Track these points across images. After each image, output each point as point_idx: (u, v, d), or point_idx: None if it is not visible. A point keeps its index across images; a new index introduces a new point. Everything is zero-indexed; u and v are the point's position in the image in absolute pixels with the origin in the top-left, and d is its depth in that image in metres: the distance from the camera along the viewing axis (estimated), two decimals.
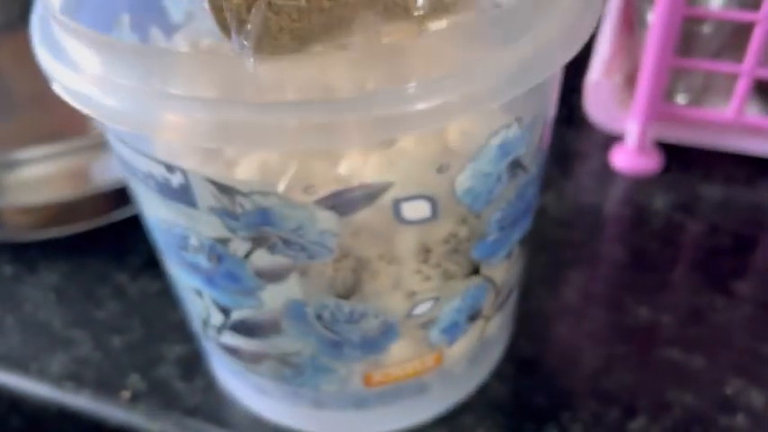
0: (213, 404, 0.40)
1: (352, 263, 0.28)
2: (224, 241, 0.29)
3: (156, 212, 0.31)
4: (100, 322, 0.44)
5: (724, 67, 0.49)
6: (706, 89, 0.55)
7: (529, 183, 0.31)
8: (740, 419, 0.38)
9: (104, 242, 0.50)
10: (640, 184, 0.52)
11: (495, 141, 0.27)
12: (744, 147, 0.52)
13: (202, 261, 0.30)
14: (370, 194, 0.26)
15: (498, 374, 0.40)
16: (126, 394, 0.40)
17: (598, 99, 0.52)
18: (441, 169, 0.27)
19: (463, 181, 0.27)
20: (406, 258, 0.29)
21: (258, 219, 0.27)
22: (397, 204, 0.27)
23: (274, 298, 0.30)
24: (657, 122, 0.51)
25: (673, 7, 0.44)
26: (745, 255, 0.47)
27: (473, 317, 0.34)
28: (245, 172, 0.26)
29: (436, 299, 0.31)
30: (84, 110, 0.26)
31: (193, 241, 0.30)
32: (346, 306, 0.30)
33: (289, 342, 0.32)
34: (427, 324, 0.32)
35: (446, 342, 0.34)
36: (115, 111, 0.24)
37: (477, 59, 0.24)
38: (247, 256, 0.29)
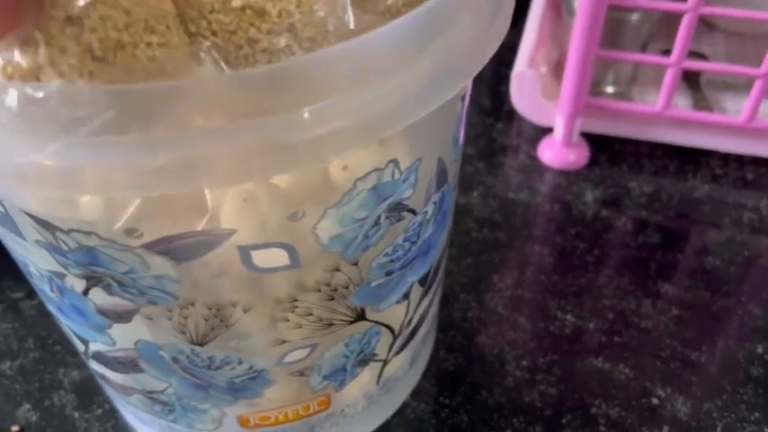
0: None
1: (201, 310, 0.23)
2: (60, 275, 0.24)
3: None
4: None
5: (651, 59, 0.44)
6: (635, 79, 0.50)
7: (423, 223, 0.26)
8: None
9: None
10: (569, 178, 0.47)
11: (365, 186, 0.22)
12: (672, 138, 0.47)
13: (47, 290, 0.26)
14: (208, 242, 0.21)
15: (417, 392, 0.35)
16: (15, 429, 0.37)
17: (524, 91, 0.48)
18: (293, 217, 0.21)
19: (326, 228, 0.22)
20: (266, 307, 0.24)
21: (86, 258, 0.22)
22: (244, 251, 0.22)
23: (124, 337, 0.25)
24: (585, 115, 0.48)
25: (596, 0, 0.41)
26: (673, 252, 0.42)
27: (364, 361, 0.29)
28: (90, 209, 0.20)
29: (312, 346, 0.26)
30: None
31: (33, 269, 0.25)
32: (204, 353, 0.25)
33: (151, 380, 0.27)
34: (305, 370, 0.27)
35: (332, 387, 0.29)
36: None
37: (342, 96, 0.18)
38: (85, 293, 0.24)
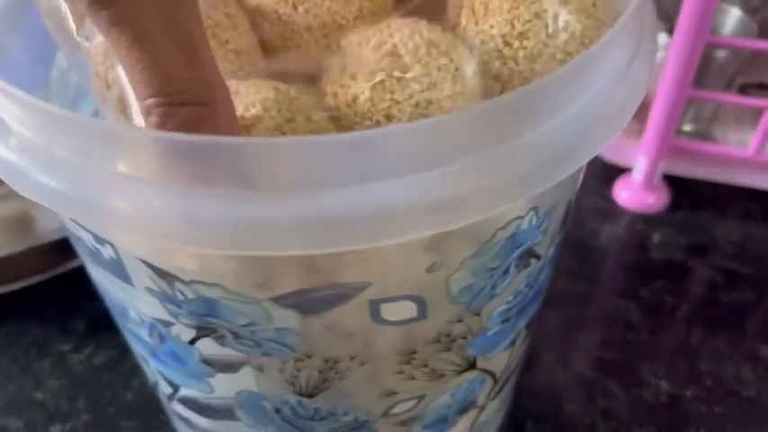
0: None
1: (317, 362, 0.22)
2: (165, 323, 0.23)
3: (95, 276, 0.25)
4: (38, 406, 0.36)
5: (749, 101, 0.42)
6: (716, 117, 0.48)
7: (542, 268, 0.25)
8: None
9: (43, 303, 0.40)
10: (649, 223, 0.45)
11: (504, 235, 0.21)
12: (761, 183, 0.45)
13: (144, 335, 0.25)
14: (342, 295, 0.20)
15: None
16: None
17: None
18: (431, 269, 0.20)
19: (459, 279, 0.21)
20: (384, 359, 0.23)
21: (202, 309, 0.21)
22: (374, 305, 0.21)
23: (226, 387, 0.24)
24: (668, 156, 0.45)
25: (695, 36, 0.38)
26: None
27: (464, 409, 0.28)
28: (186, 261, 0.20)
29: (420, 397, 0.25)
30: (16, 188, 0.18)
31: (133, 315, 0.24)
32: (310, 404, 0.24)
33: (244, 429, 0.26)
34: (409, 421, 0.26)
35: None
36: (57, 193, 0.18)
37: (497, 153, 0.18)
38: (192, 342, 0.23)
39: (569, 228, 0.44)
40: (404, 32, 0.20)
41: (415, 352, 0.23)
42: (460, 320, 0.23)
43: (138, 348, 0.27)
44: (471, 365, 0.25)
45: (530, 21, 0.21)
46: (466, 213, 0.17)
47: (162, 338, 0.24)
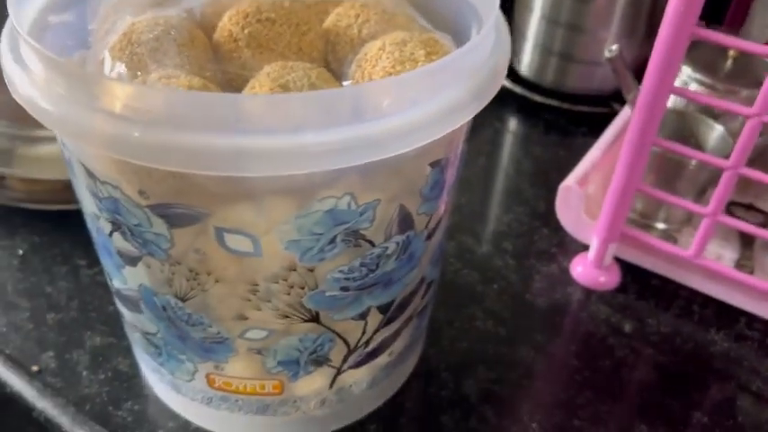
0: (107, 398, 0.41)
1: (185, 271, 0.30)
2: (95, 217, 0.31)
3: None
4: (44, 296, 0.46)
5: (689, 205, 0.45)
6: (689, 221, 0.52)
7: (382, 257, 0.31)
8: None
9: (77, 227, 0.52)
10: (591, 298, 0.49)
11: (322, 207, 0.28)
12: (699, 286, 0.48)
13: (93, 230, 0.33)
14: (193, 216, 0.28)
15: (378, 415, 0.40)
16: (35, 368, 0.43)
17: (568, 205, 0.50)
18: (258, 215, 0.28)
19: (285, 231, 0.28)
20: (233, 283, 0.30)
21: (111, 206, 0.29)
22: (219, 232, 0.28)
23: (132, 279, 0.32)
24: (621, 242, 0.48)
25: (642, 136, 0.43)
26: (688, 413, 0.43)
27: (317, 362, 0.34)
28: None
29: (270, 330, 0.32)
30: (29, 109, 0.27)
31: (82, 208, 0.33)
32: (185, 307, 0.31)
33: (147, 322, 0.34)
34: (263, 350, 0.33)
35: (286, 375, 0.35)
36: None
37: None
38: (110, 234, 0.31)
39: (515, 282, 0.49)
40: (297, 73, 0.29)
41: (257, 284, 0.30)
42: (294, 269, 0.30)
43: (96, 248, 0.35)
44: (314, 318, 0.32)
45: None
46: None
47: (97, 231, 0.32)
